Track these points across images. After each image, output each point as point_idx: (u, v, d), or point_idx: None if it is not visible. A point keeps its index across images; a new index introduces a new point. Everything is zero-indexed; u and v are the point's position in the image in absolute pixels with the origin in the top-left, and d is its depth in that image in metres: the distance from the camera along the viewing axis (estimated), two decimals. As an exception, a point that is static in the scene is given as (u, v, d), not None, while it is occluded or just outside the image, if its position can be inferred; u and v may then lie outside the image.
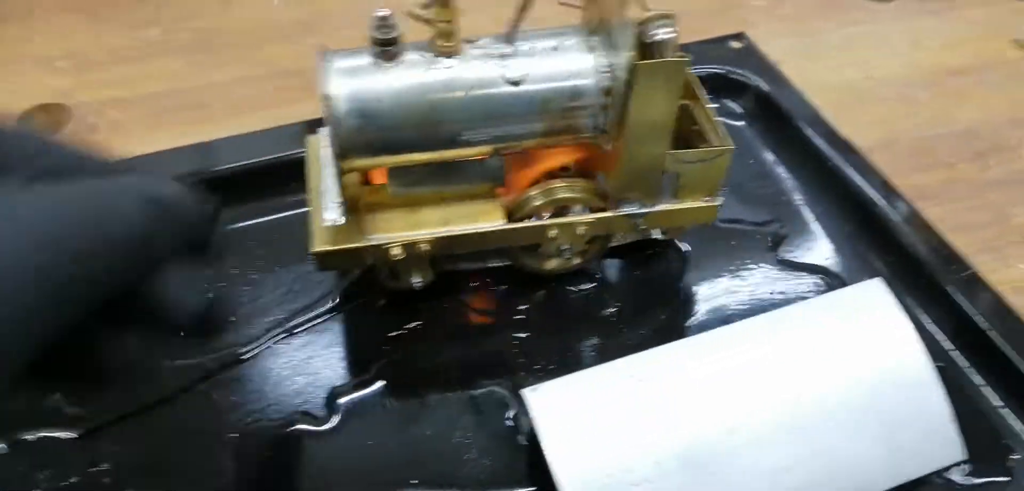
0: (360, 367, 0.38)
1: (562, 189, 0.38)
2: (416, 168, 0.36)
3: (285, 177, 0.43)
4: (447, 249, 0.37)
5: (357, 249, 0.36)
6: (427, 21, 0.33)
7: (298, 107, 0.49)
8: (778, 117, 0.50)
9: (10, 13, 0.60)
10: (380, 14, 0.32)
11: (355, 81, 0.33)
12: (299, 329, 0.39)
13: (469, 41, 0.34)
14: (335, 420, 0.36)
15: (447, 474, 0.33)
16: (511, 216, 0.38)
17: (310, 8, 0.61)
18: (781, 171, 0.48)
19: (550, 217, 0.38)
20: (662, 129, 0.35)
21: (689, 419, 0.31)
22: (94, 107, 0.52)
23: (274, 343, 0.39)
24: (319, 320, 0.40)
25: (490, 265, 0.41)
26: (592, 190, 0.38)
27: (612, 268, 0.42)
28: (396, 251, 0.36)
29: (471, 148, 0.35)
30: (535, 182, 0.38)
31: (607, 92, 0.34)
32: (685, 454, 0.30)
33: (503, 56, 0.34)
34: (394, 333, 0.39)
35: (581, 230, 0.38)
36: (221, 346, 0.38)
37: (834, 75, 0.55)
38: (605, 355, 0.35)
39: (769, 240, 0.44)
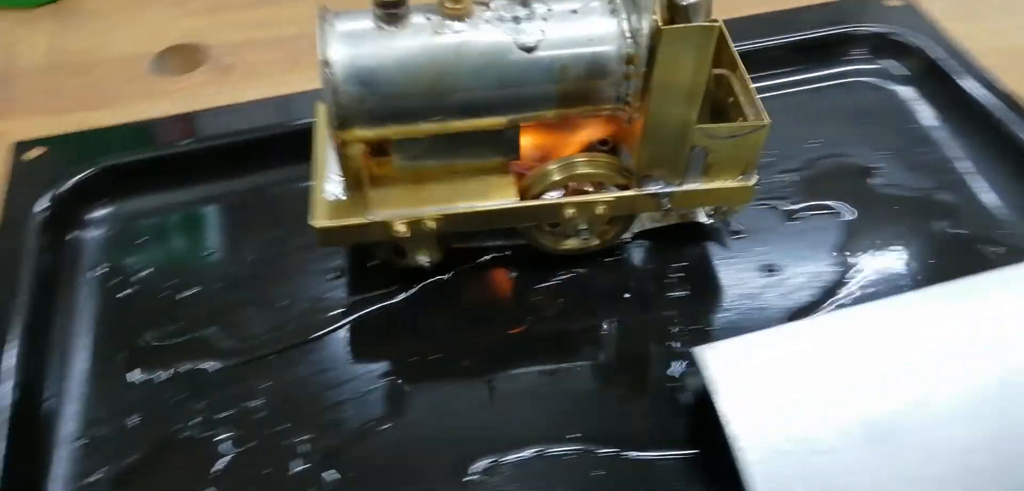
0: (511, 317, 0.37)
1: (582, 165, 0.35)
2: (424, 139, 0.34)
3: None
4: (456, 227, 0.35)
5: (359, 225, 0.34)
6: (434, -19, 0.31)
7: None
8: (944, 80, 0.46)
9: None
10: (381, -26, 0.30)
11: (356, 45, 0.30)
12: (448, 276, 0.38)
13: (482, 2, 0.31)
14: (489, 370, 0.35)
15: (607, 431, 0.32)
16: (526, 192, 0.35)
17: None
18: (947, 136, 0.44)
19: (569, 194, 0.36)
20: (689, 101, 0.31)
21: (875, 389, 0.28)
22: (229, 48, 0.51)
23: (422, 288, 0.38)
24: (468, 268, 0.38)
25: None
26: (615, 166, 0.35)
27: (770, 228, 0.40)
28: (400, 228, 0.34)
29: (482, 118, 0.33)
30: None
31: (630, 60, 0.31)
32: (871, 425, 0.28)
33: (517, 19, 0.31)
34: (543, 284, 0.38)
35: (600, 209, 0.35)
36: (370, 289, 0.37)
37: (999, 39, 0.50)
38: (768, 318, 0.34)
39: (936, 207, 0.41)
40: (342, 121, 0.31)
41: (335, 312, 0.37)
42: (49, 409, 0.34)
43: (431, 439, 0.32)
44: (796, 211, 0.40)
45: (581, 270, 0.38)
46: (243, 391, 0.34)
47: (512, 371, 0.35)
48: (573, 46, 0.31)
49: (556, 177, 0.35)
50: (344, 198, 0.35)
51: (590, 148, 0.36)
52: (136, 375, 0.35)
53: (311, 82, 0.44)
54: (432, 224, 0.34)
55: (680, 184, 0.35)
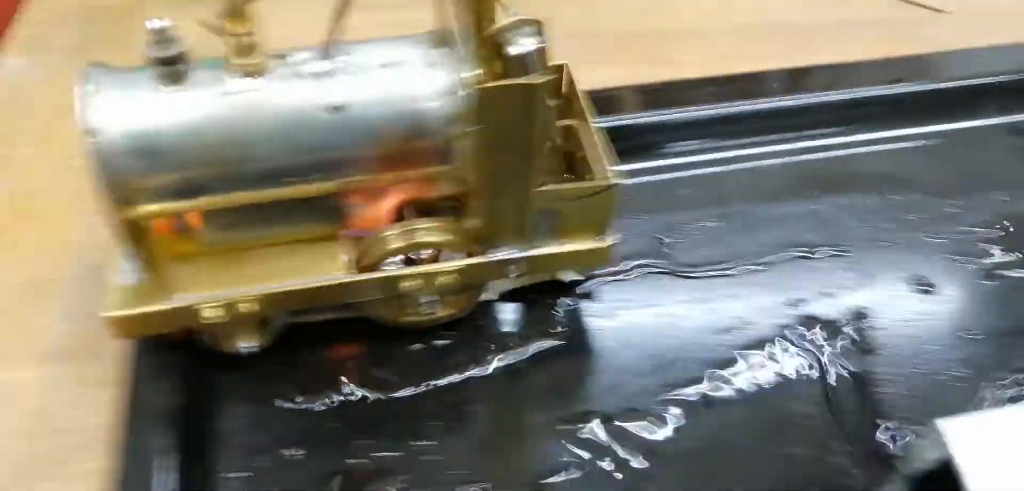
0: (697, 366, 0.33)
1: (422, 231, 0.31)
2: (233, 210, 0.30)
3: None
4: (279, 306, 0.31)
5: (161, 313, 0.29)
6: (219, 32, 0.26)
7: (596, 72, 0.39)
8: None
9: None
10: (154, 26, 0.25)
11: (128, 109, 0.26)
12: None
13: (279, 56, 0.27)
14: (677, 424, 0.31)
15: None
16: (360, 261, 0.31)
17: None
18: None
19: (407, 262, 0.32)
20: (525, 162, 0.28)
21: None
22: None
23: (593, 330, 0.35)
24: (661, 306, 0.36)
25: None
26: (460, 231, 0.31)
27: (964, 285, 0.37)
28: (210, 313, 0.29)
29: (291, 187, 0.28)
30: (395, 219, 0.32)
31: (454, 121, 0.27)
32: None
33: (320, 75, 0.27)
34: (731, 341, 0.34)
35: (443, 280, 0.31)
36: (543, 324, 0.34)
37: None
38: (973, 384, 0.32)
39: None
40: (119, 198, 0.27)
41: (506, 346, 0.33)
42: (213, 434, 0.31)
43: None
44: (992, 268, 0.37)
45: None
46: (409, 427, 0.31)
47: (710, 427, 0.31)
48: (388, 105, 0.27)
49: (393, 245, 0.31)
50: (142, 281, 0.30)
51: (434, 204, 0.33)
52: (293, 401, 0.32)
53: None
54: (250, 307, 0.30)
55: (529, 249, 0.31)
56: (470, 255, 0.32)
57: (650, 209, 0.39)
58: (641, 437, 0.31)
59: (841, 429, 0.31)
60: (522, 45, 0.27)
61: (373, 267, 0.31)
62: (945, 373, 0.33)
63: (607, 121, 0.36)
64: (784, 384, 0.33)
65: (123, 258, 0.30)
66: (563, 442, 0.31)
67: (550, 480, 0.29)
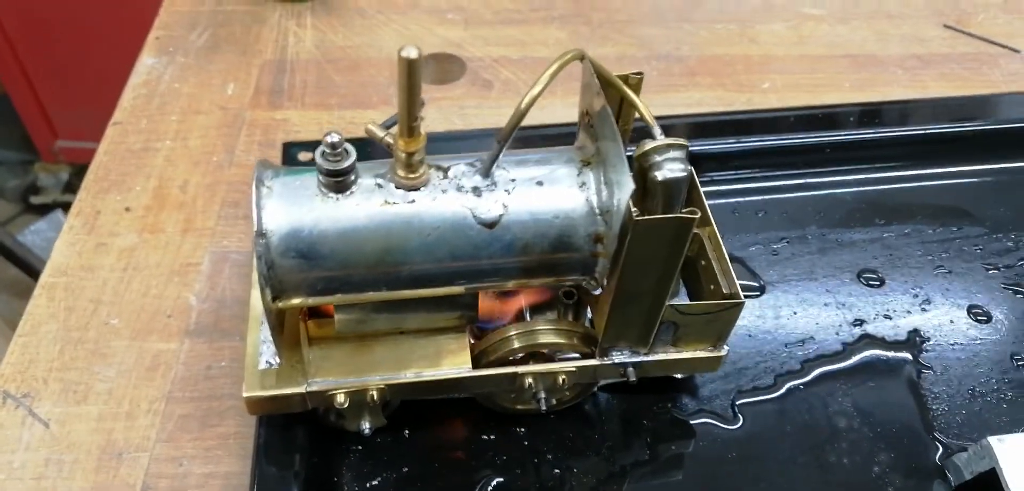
0: (764, 374, 0.37)
1: (543, 333, 0.32)
2: (370, 303, 0.31)
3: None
4: (403, 395, 0.32)
5: (295, 395, 0.31)
6: (387, 145, 0.28)
7: (681, 94, 0.46)
8: None
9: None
10: (330, 140, 0.26)
11: (295, 214, 0.27)
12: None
13: (439, 166, 0.28)
14: (739, 423, 0.35)
15: None
16: (481, 355, 0.32)
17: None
18: None
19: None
20: (662, 282, 0.29)
21: None
22: (486, 64, 0.53)
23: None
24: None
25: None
26: (579, 334, 0.32)
27: (1011, 316, 0.39)
28: (341, 399, 0.31)
29: (435, 289, 0.30)
30: (514, 317, 0.33)
31: (598, 238, 0.28)
32: None
33: (477, 190, 0.28)
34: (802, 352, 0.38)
35: (561, 379, 0.32)
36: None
37: None
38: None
39: None
40: (277, 294, 0.28)
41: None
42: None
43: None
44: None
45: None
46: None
47: (758, 429, 0.35)
48: (537, 222, 0.28)
49: (516, 344, 0.32)
50: (279, 362, 0.31)
51: (554, 300, 0.34)
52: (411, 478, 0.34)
53: (567, 110, 0.43)
54: (380, 393, 0.31)
55: (647, 354, 0.32)
56: (584, 355, 0.33)
57: (729, 229, 0.42)
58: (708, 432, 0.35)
59: (895, 440, 0.34)
60: (669, 170, 0.28)
61: (496, 361, 0.32)
62: (996, 395, 0.36)
63: (691, 145, 0.38)
64: (844, 396, 0.36)
65: (264, 338, 0.31)
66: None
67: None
